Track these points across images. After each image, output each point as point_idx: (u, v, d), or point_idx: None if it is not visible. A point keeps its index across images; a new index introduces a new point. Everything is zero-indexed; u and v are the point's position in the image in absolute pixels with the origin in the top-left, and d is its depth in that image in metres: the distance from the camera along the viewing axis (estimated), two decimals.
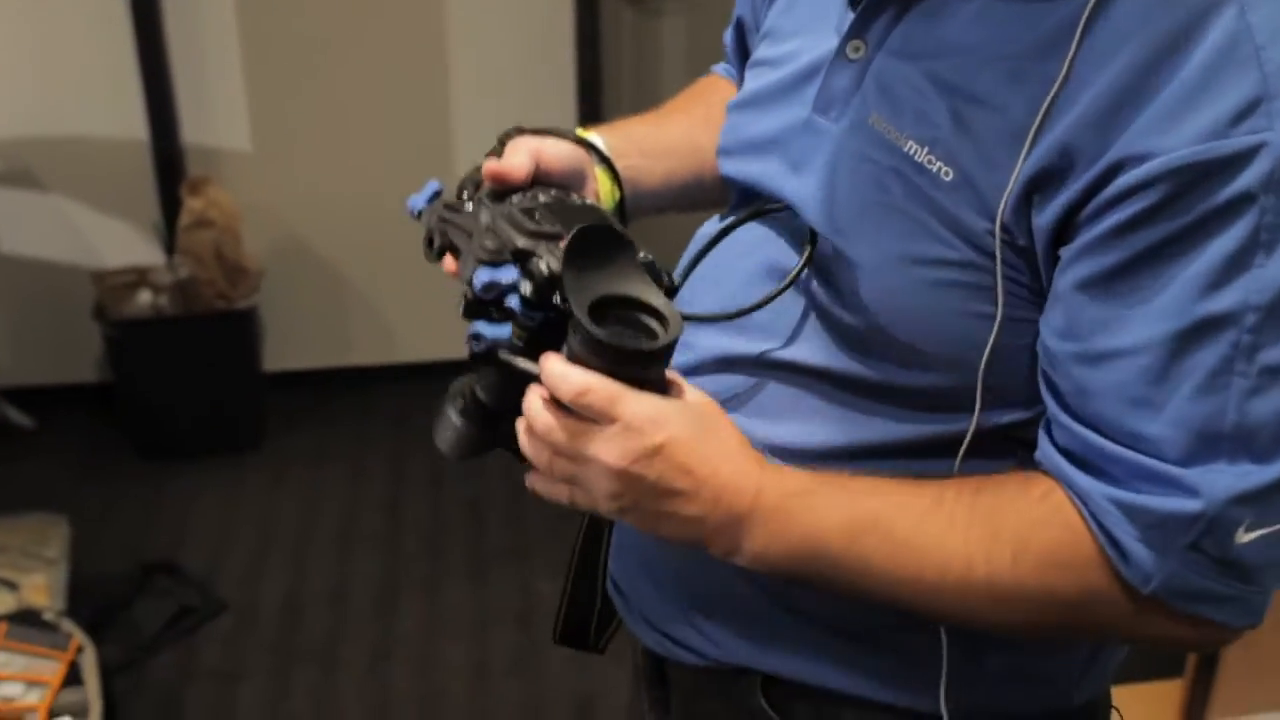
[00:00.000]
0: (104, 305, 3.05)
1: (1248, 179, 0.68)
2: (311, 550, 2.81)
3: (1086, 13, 0.74)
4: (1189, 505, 0.72)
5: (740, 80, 1.10)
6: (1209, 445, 0.72)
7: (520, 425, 0.82)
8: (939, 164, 0.80)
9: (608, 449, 0.78)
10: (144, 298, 3.07)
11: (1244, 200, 0.69)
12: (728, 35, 1.17)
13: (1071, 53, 0.74)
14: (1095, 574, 0.76)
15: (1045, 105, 0.74)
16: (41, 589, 2.43)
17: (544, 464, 0.82)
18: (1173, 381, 0.71)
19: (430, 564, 2.77)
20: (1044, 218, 0.75)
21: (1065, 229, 0.75)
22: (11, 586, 2.42)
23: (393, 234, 3.33)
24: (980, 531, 0.79)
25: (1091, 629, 0.84)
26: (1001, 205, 0.77)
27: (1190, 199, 0.69)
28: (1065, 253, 0.75)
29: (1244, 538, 0.72)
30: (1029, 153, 0.75)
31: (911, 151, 0.82)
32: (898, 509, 0.81)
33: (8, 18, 3.04)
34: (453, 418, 0.89)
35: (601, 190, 1.01)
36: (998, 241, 0.77)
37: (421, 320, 3.40)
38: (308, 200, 3.28)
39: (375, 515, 2.93)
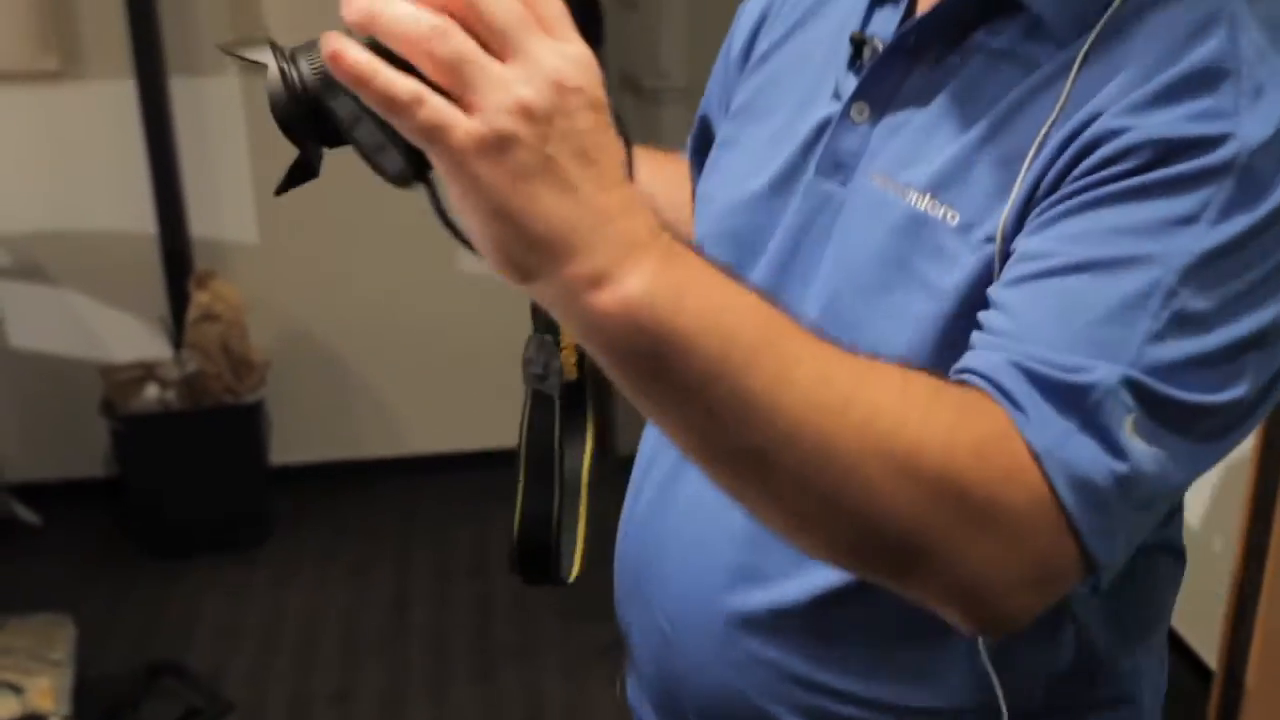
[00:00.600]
0: (111, 400, 3.05)
1: (1211, 160, 0.72)
2: (318, 650, 2.79)
3: (1081, 54, 0.77)
4: (1083, 377, 0.70)
5: (696, 177, 1.11)
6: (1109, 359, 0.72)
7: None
8: (943, 208, 0.81)
9: (551, 55, 0.61)
10: (151, 392, 3.07)
11: (1204, 175, 0.72)
12: (690, 137, 1.17)
13: (1068, 87, 0.77)
14: (1007, 457, 0.69)
15: (1042, 133, 0.77)
16: (47, 693, 2.41)
17: (435, 35, 0.61)
18: (1088, 305, 0.72)
19: (437, 663, 2.74)
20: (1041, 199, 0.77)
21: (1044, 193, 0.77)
22: (17, 691, 2.39)
23: (398, 327, 3.36)
24: (920, 390, 0.71)
25: (969, 537, 0.70)
26: (1001, 224, 0.78)
27: (1156, 166, 0.72)
28: (1030, 218, 0.77)
29: (1132, 438, 0.70)
30: (1027, 171, 0.77)
31: (913, 201, 0.83)
32: (825, 345, 0.70)
33: (21, 113, 3.08)
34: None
35: None
36: (998, 256, 0.78)
37: (427, 413, 3.41)
38: (313, 293, 3.30)
39: (381, 613, 2.91)
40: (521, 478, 0.89)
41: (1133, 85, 0.74)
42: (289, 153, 0.80)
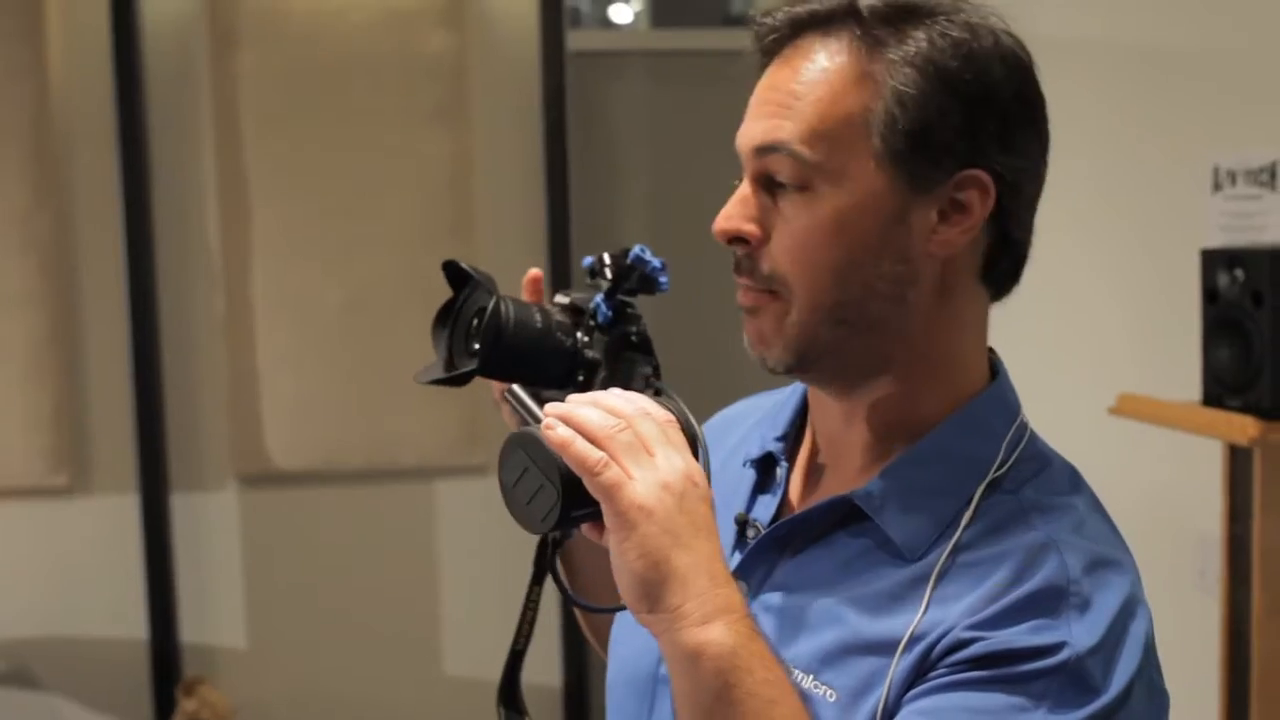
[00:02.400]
0: None
1: (1047, 663, 0.87)
2: None
3: (937, 570, 0.93)
4: None
5: None
6: None
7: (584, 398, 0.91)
8: (824, 687, 0.93)
9: (679, 459, 0.89)
10: None
11: (1041, 675, 0.87)
12: None
13: (928, 593, 0.92)
14: None
15: (909, 633, 0.91)
16: None
17: (607, 427, 0.88)
18: None
19: None
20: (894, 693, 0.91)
21: (911, 685, 0.91)
22: None
23: None
24: None
25: None
26: (880, 706, 0.90)
27: (1002, 666, 0.87)
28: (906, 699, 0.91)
29: None
30: (896, 665, 0.91)
31: (798, 679, 0.93)
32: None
33: (27, 526, 3.26)
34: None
35: None
36: None
37: None
38: (300, 699, 3.38)
39: None
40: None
41: (984, 602, 0.90)
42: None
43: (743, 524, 1.06)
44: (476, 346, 1.05)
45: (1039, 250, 1.06)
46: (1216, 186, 2.35)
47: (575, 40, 3.42)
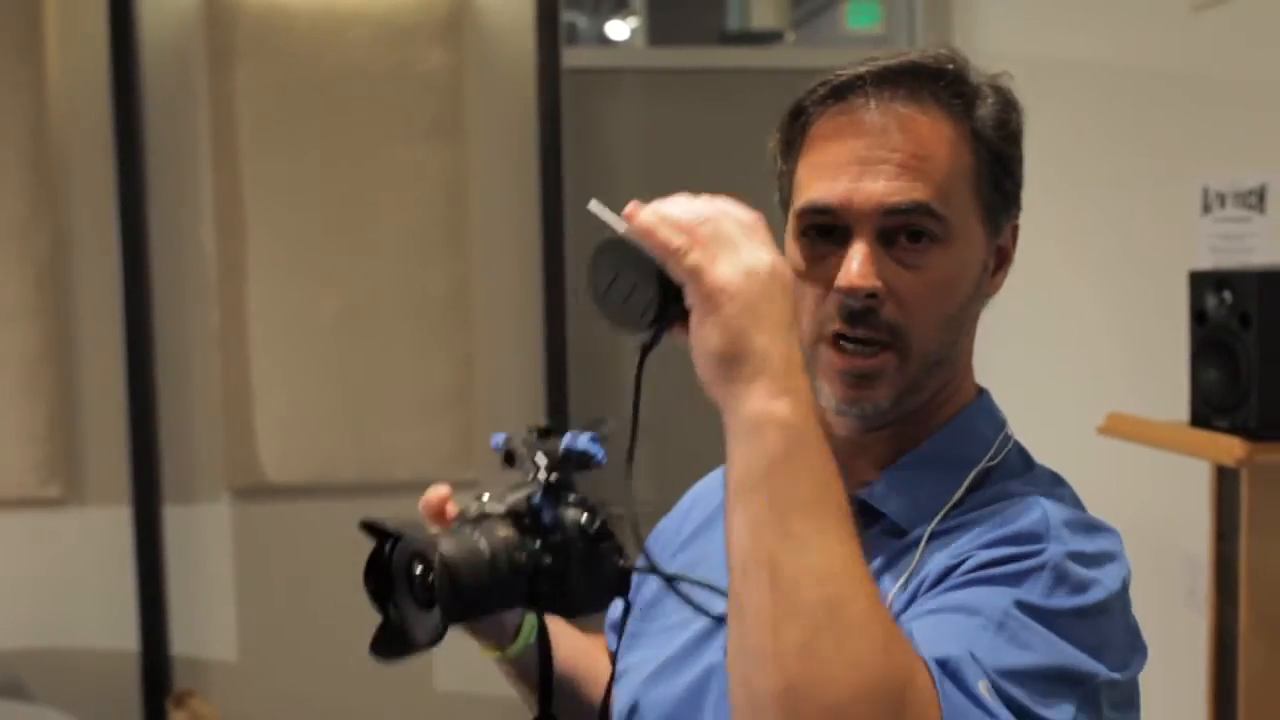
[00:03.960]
0: None
1: (1028, 563, 0.93)
2: None
3: (927, 534, 1.01)
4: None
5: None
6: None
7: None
8: None
9: (765, 251, 0.89)
10: None
11: (1025, 571, 0.93)
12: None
13: (917, 557, 1.00)
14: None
15: (896, 587, 0.99)
16: None
17: (691, 218, 0.90)
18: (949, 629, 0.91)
19: None
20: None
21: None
22: None
23: None
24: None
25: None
26: None
27: (988, 568, 0.94)
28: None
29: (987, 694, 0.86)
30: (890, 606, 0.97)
31: None
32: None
33: (18, 537, 3.26)
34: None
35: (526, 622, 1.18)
36: None
37: None
38: (291, 713, 3.38)
39: None
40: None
41: (969, 544, 0.97)
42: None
43: None
44: (431, 601, 0.97)
45: (1030, 271, 1.11)
46: (1206, 208, 2.37)
47: (571, 57, 3.43)
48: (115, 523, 3.26)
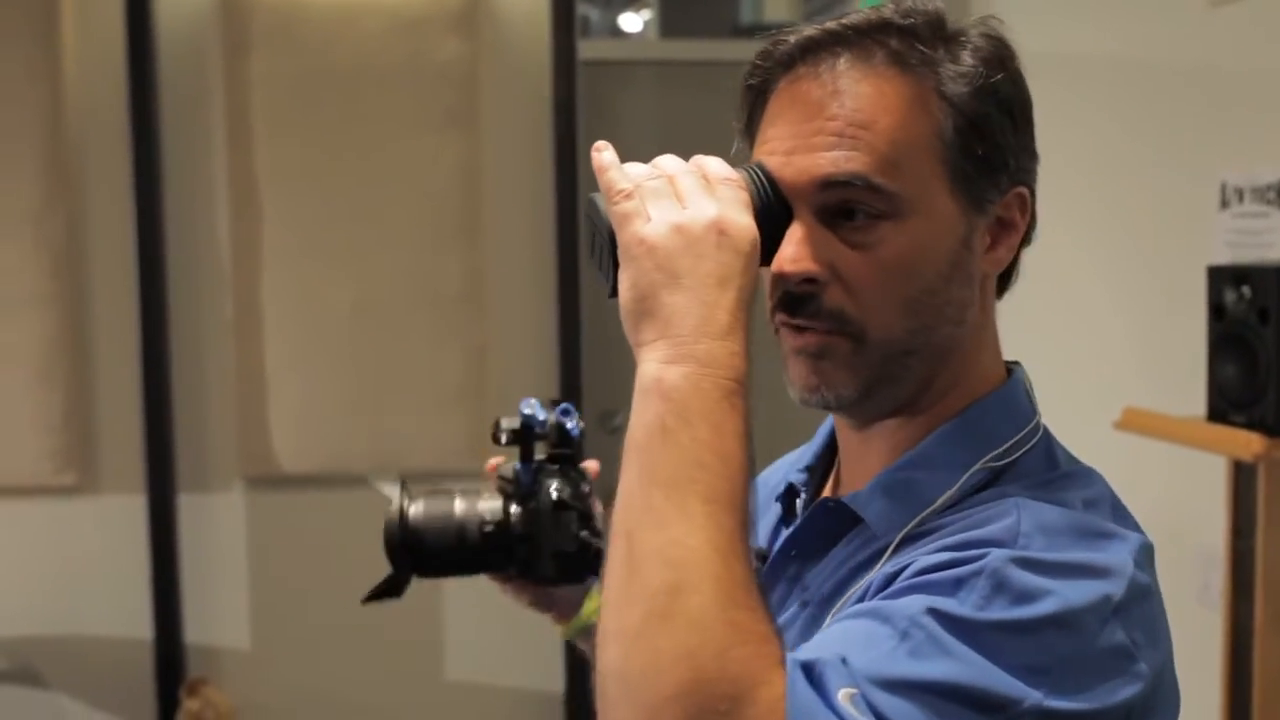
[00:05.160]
0: None
1: (966, 569, 0.81)
2: None
3: (897, 540, 0.90)
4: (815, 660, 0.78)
5: None
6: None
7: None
8: None
9: (712, 207, 0.85)
10: None
11: (963, 578, 0.80)
12: None
13: (885, 558, 0.89)
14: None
15: (859, 586, 0.90)
16: None
17: (642, 173, 0.88)
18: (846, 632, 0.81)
19: None
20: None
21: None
22: None
23: None
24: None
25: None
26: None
27: (924, 574, 0.82)
28: None
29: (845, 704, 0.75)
30: (844, 603, 0.90)
31: None
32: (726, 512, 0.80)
33: (34, 525, 3.28)
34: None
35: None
36: None
37: None
38: (303, 701, 3.39)
39: None
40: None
41: (925, 547, 0.86)
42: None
43: (763, 558, 1.04)
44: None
45: (1047, 266, 1.05)
46: (1224, 203, 2.36)
47: (585, 49, 3.43)
48: (129, 511, 3.27)
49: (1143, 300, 2.68)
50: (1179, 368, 2.36)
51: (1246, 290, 2.02)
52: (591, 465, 1.16)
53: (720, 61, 3.53)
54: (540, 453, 1.14)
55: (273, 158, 3.29)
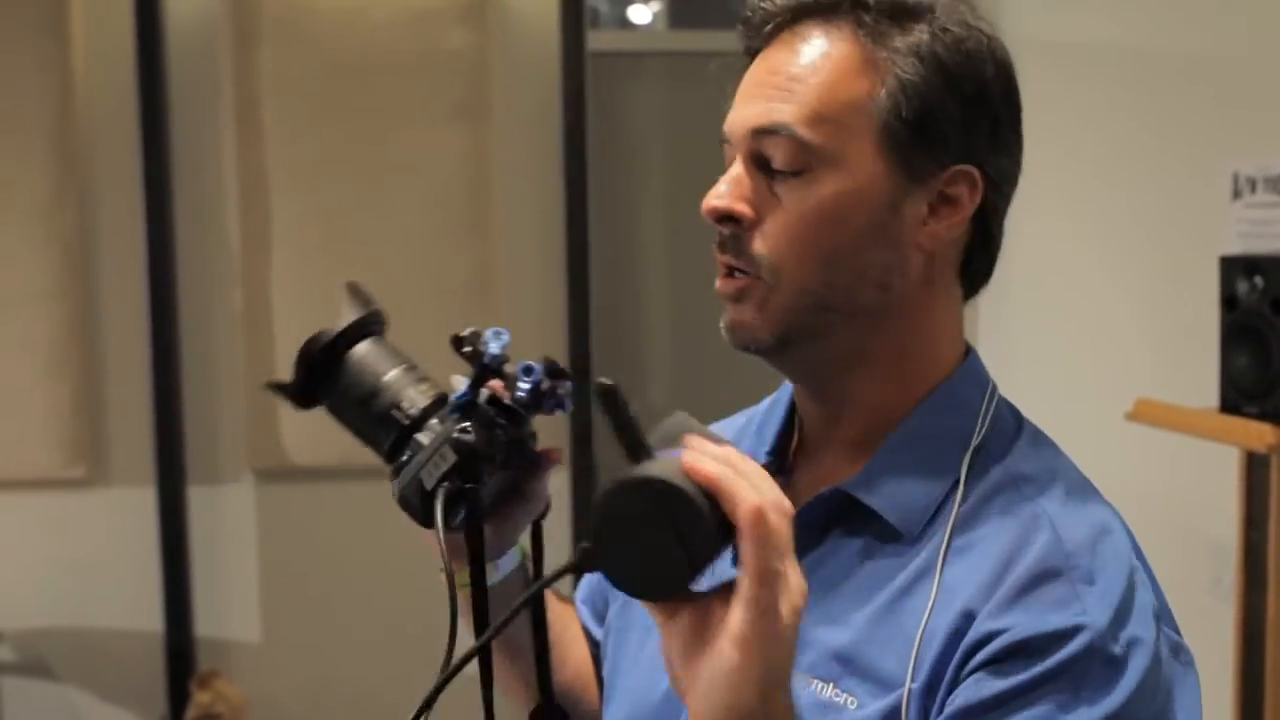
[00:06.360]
0: None
1: (1073, 649, 0.85)
2: None
3: (942, 553, 0.92)
4: None
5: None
6: None
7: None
8: (845, 695, 0.91)
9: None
10: None
11: (1071, 663, 0.85)
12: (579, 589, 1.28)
13: (937, 579, 0.91)
14: None
15: (923, 625, 0.90)
16: None
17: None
18: None
19: None
20: (939, 697, 0.88)
21: (952, 689, 0.88)
22: None
23: None
24: None
25: None
26: (904, 703, 0.88)
27: (1036, 660, 0.85)
28: (949, 700, 0.88)
29: None
30: (916, 659, 0.89)
31: (817, 690, 0.92)
32: None
33: (44, 517, 3.29)
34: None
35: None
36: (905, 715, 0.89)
37: None
38: (314, 693, 3.40)
39: None
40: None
41: (991, 584, 0.89)
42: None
43: None
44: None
45: (1059, 257, 1.06)
46: (1236, 194, 2.35)
47: (593, 40, 3.42)
48: (139, 504, 3.28)
49: (1154, 291, 2.67)
50: (1191, 359, 2.35)
51: (1259, 280, 2.01)
52: (552, 452, 1.06)
53: (729, 52, 3.51)
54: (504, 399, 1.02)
55: (282, 150, 3.29)
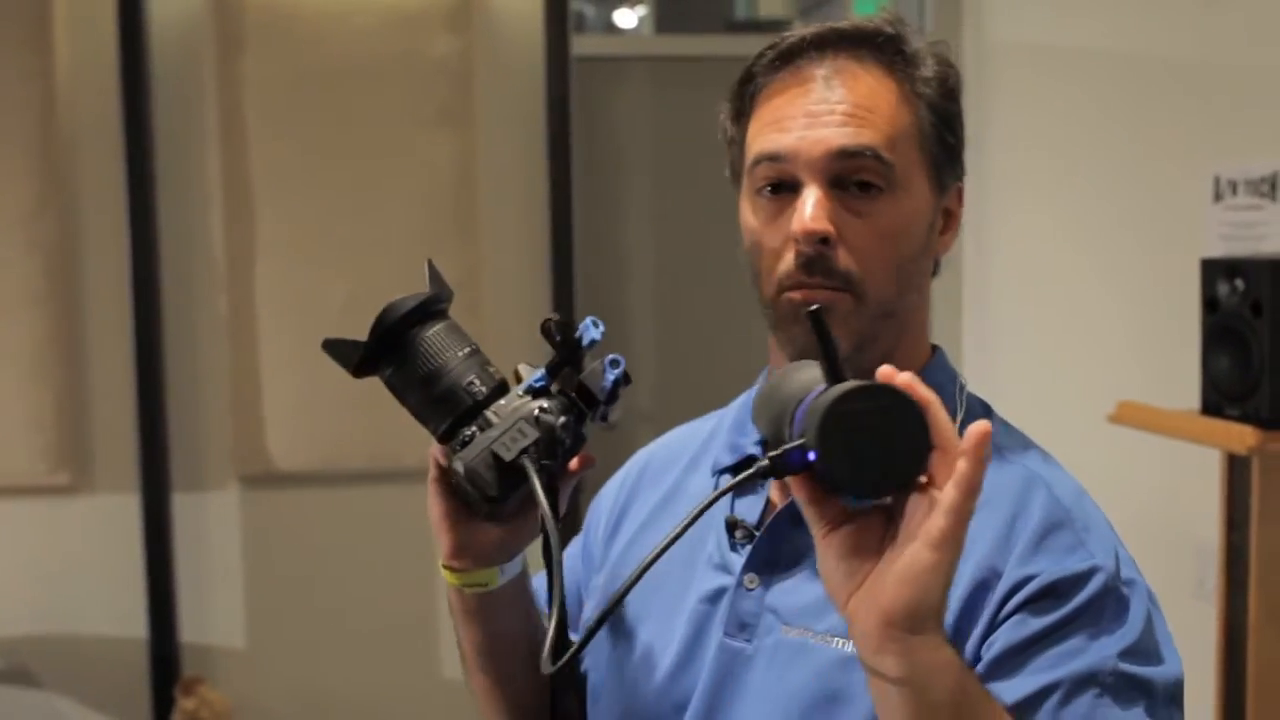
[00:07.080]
0: None
1: (1094, 588, 0.97)
2: None
3: None
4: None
5: None
6: None
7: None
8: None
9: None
10: None
11: (1095, 601, 0.97)
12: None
13: None
14: None
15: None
16: None
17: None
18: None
19: None
20: (972, 641, 0.97)
21: (991, 632, 0.97)
22: None
23: None
24: None
25: None
26: None
27: (1066, 600, 0.96)
28: (987, 643, 0.97)
29: None
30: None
31: (839, 645, 0.99)
32: None
33: (27, 524, 3.27)
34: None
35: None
36: None
37: None
38: (299, 700, 3.39)
39: None
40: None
41: (1004, 538, 0.99)
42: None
43: (732, 525, 1.10)
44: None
45: (1041, 260, 1.12)
46: (1217, 196, 2.36)
47: (579, 45, 3.42)
48: (124, 510, 3.27)
49: (1136, 293, 2.69)
50: (1172, 361, 2.36)
51: (1240, 283, 2.02)
52: (584, 458, 1.08)
53: (714, 57, 3.52)
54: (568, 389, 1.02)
55: (266, 155, 3.29)
